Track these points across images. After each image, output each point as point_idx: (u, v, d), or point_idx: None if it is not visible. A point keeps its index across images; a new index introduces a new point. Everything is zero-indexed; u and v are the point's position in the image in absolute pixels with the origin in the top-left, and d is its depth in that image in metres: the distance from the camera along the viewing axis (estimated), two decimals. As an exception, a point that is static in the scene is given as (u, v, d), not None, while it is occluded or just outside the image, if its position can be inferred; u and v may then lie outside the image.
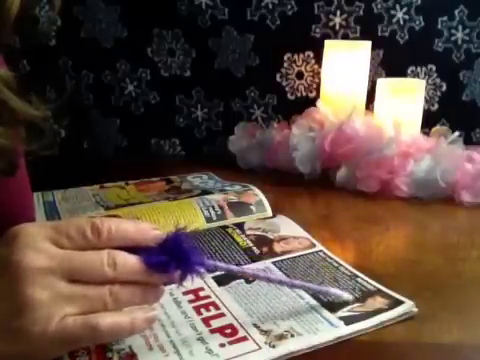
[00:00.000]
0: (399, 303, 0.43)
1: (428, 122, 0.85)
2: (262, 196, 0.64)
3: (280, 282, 0.42)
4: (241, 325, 0.40)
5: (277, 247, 0.54)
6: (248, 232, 0.57)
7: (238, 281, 0.47)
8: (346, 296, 0.43)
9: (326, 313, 0.42)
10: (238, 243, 0.55)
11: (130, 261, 0.34)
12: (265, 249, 0.53)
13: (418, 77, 0.91)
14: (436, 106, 0.94)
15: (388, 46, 0.90)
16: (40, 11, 0.84)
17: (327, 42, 0.86)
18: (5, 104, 0.39)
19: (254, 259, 0.51)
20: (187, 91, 0.92)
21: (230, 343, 0.38)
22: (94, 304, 0.32)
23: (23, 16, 0.39)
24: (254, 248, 0.53)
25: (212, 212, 0.60)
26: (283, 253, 0.52)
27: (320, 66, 0.89)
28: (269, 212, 0.63)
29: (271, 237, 0.56)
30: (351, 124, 0.76)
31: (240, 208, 0.62)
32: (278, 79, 0.91)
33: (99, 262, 0.33)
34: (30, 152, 0.43)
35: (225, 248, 0.53)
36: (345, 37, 0.89)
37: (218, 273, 0.48)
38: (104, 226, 0.33)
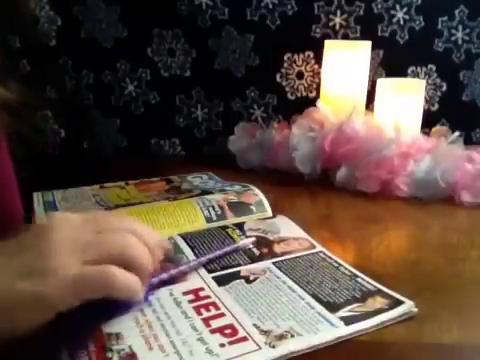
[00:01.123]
0: (399, 303, 0.43)
1: (428, 122, 0.85)
2: (262, 196, 0.64)
3: (199, 263, 0.46)
4: (241, 325, 0.40)
5: (277, 248, 0.54)
6: (248, 233, 0.57)
7: (238, 281, 0.47)
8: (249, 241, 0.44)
9: (326, 313, 0.42)
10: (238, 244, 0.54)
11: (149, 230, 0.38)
12: (265, 250, 0.53)
13: (418, 77, 0.92)
14: (436, 106, 0.94)
15: (388, 46, 0.90)
16: (40, 11, 0.84)
17: (327, 42, 0.86)
18: None
19: (254, 260, 0.51)
20: (187, 91, 0.92)
21: (230, 343, 0.38)
22: (112, 252, 0.36)
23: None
24: (254, 249, 0.53)
25: (212, 212, 0.60)
26: (283, 254, 0.52)
27: (320, 66, 0.89)
28: (269, 212, 0.63)
29: (271, 238, 0.56)
30: (351, 124, 0.76)
31: (240, 208, 0.62)
32: (278, 79, 0.91)
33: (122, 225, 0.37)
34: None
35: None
36: (345, 37, 0.89)
37: (218, 273, 0.48)
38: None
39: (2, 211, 0.47)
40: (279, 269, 0.49)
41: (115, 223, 0.37)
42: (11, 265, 0.33)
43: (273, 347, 0.37)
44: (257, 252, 0.53)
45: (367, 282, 0.47)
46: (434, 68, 0.92)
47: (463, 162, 0.72)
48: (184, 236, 0.55)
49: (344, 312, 0.42)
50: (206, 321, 0.41)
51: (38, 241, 0.34)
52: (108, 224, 0.36)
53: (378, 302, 0.44)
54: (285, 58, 0.90)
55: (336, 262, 0.51)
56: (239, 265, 0.50)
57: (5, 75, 0.41)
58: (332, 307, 0.43)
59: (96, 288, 0.35)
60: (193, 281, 0.47)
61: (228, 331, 0.39)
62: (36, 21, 0.83)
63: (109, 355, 0.36)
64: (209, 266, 0.50)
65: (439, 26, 0.90)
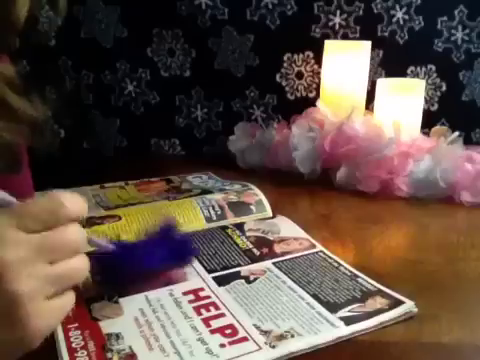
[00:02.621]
0: (399, 303, 0.43)
1: (428, 122, 0.85)
2: (262, 196, 0.64)
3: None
4: (241, 325, 0.40)
5: (277, 248, 0.54)
6: (248, 233, 0.57)
7: (238, 281, 0.47)
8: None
9: (326, 313, 0.42)
10: (238, 244, 0.55)
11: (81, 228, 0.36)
12: (265, 250, 0.53)
13: (418, 77, 0.92)
14: (436, 106, 0.94)
15: (388, 46, 0.90)
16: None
17: (327, 42, 0.86)
18: (4, 102, 0.39)
19: (254, 260, 0.51)
20: (187, 91, 0.92)
21: (230, 343, 0.38)
22: (67, 285, 0.35)
23: (29, 21, 0.39)
24: (254, 249, 0.53)
25: (212, 212, 0.60)
26: (283, 254, 0.52)
27: (320, 66, 0.89)
28: (269, 212, 0.63)
29: (271, 238, 0.56)
30: (351, 124, 0.76)
31: (240, 208, 0.62)
32: (278, 79, 0.91)
33: (71, 236, 0.35)
34: (33, 151, 0.43)
35: (225, 249, 0.53)
36: (345, 37, 0.89)
37: (218, 273, 0.48)
38: (57, 201, 0.35)
39: None
40: (279, 269, 0.49)
41: (67, 249, 0.35)
42: None
43: (273, 347, 0.37)
44: (257, 252, 0.53)
45: (367, 282, 0.47)
46: (434, 68, 0.92)
47: (463, 162, 0.72)
48: (184, 236, 0.55)
49: (344, 312, 0.42)
50: (206, 321, 0.41)
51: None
52: (61, 254, 0.34)
53: (378, 302, 0.44)
54: (285, 58, 0.90)
55: (336, 262, 0.51)
56: (239, 265, 0.50)
57: (30, 91, 0.41)
58: (332, 307, 0.43)
59: (60, 321, 0.36)
60: (193, 281, 0.47)
61: (228, 331, 0.39)
62: (36, 21, 0.83)
63: (109, 355, 0.36)
64: (209, 266, 0.50)
65: (439, 26, 0.90)
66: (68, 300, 0.35)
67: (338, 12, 0.88)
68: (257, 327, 0.40)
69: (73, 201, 0.36)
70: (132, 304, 0.43)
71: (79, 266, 0.36)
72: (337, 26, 0.89)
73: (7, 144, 0.40)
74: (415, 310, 0.43)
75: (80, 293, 0.44)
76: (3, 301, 0.31)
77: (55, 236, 0.34)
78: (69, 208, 0.35)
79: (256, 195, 0.64)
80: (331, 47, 0.86)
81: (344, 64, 0.84)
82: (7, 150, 0.41)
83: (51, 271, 0.33)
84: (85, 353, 0.37)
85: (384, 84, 0.81)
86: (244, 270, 0.49)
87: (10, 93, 0.39)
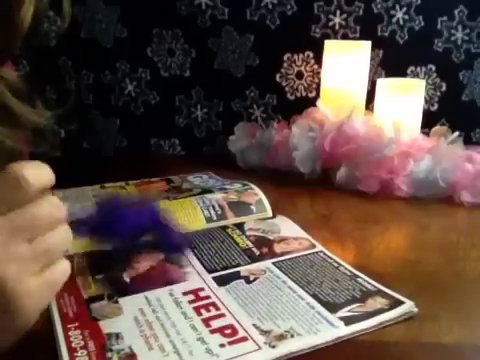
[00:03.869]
0: (399, 303, 0.43)
1: (428, 122, 0.85)
2: (262, 196, 0.64)
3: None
4: (241, 325, 0.40)
5: (277, 248, 0.54)
6: (248, 233, 0.57)
7: (238, 281, 0.47)
8: None
9: (326, 313, 0.42)
10: (238, 244, 0.55)
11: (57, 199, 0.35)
12: (265, 250, 0.53)
13: (418, 77, 0.92)
14: (436, 106, 0.94)
15: (388, 46, 0.90)
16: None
17: (327, 42, 0.86)
18: (7, 108, 0.39)
19: (254, 260, 0.51)
20: (187, 91, 0.92)
21: (230, 343, 0.38)
22: (50, 260, 0.34)
23: (33, 26, 0.40)
24: (254, 249, 0.53)
25: (212, 212, 0.60)
26: (283, 254, 0.52)
27: (320, 66, 0.89)
28: (269, 212, 0.63)
29: (271, 238, 0.56)
30: (351, 124, 0.76)
31: (240, 208, 0.62)
32: (278, 79, 0.91)
33: (48, 209, 0.34)
34: (35, 155, 0.43)
35: (225, 249, 0.53)
36: (345, 37, 0.89)
37: (218, 273, 0.48)
38: (21, 176, 0.32)
39: None
40: (279, 269, 0.49)
41: (42, 223, 0.34)
42: None
43: (273, 347, 0.37)
44: (257, 252, 0.53)
45: (367, 282, 0.47)
46: (434, 68, 0.92)
47: (463, 162, 0.72)
48: (184, 236, 0.55)
49: (344, 312, 0.42)
50: (206, 321, 0.41)
51: None
52: (37, 229, 0.33)
53: (378, 302, 0.44)
54: (285, 58, 0.90)
55: (336, 262, 0.51)
56: (239, 265, 0.50)
57: (34, 97, 0.41)
58: (332, 307, 0.43)
59: (54, 295, 0.35)
60: (193, 281, 0.47)
61: (228, 331, 0.39)
62: (39, 25, 0.83)
63: (109, 355, 0.36)
64: (209, 266, 0.50)
65: (439, 26, 0.90)
66: (60, 271, 0.34)
67: (338, 12, 0.88)
68: (257, 327, 0.40)
69: (37, 173, 0.33)
70: (132, 304, 0.43)
71: (60, 237, 0.35)
72: (337, 26, 0.89)
73: (9, 151, 0.40)
74: (415, 310, 0.43)
75: (80, 292, 0.44)
76: None
77: (26, 213, 0.33)
78: (32, 182, 0.32)
79: (256, 195, 0.64)
80: (331, 47, 0.86)
81: (344, 64, 0.84)
82: (9, 157, 0.41)
83: (31, 249, 0.32)
84: (85, 353, 0.37)
85: (384, 84, 0.81)
86: (244, 270, 0.49)
87: (13, 99, 0.40)
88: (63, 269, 0.35)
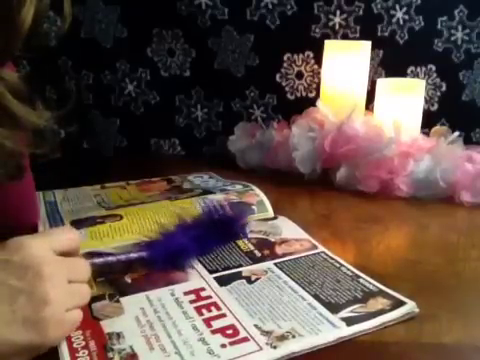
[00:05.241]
0: (401, 304, 0.43)
1: (428, 122, 0.85)
2: (263, 196, 0.64)
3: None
4: (242, 326, 0.40)
5: (279, 250, 0.54)
6: (250, 235, 0.57)
7: (240, 281, 0.47)
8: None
9: (327, 314, 0.42)
10: (239, 246, 0.55)
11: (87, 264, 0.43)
12: (267, 252, 0.53)
13: (418, 77, 0.92)
14: (436, 106, 0.94)
15: (388, 46, 0.90)
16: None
17: (327, 42, 0.86)
18: (7, 109, 0.39)
19: (256, 260, 0.51)
20: (187, 91, 0.92)
21: (231, 344, 0.38)
22: (82, 298, 0.40)
23: (33, 27, 0.40)
24: (255, 251, 0.53)
25: (213, 212, 0.60)
26: (285, 255, 0.53)
27: (320, 66, 0.89)
28: (270, 212, 0.63)
29: (272, 240, 0.56)
30: (351, 124, 0.76)
31: (242, 208, 0.62)
32: (278, 79, 0.91)
33: (84, 267, 0.42)
34: (35, 156, 0.43)
35: (226, 250, 0.53)
36: (345, 37, 0.89)
37: (220, 274, 0.48)
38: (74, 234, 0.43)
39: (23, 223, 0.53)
40: (281, 269, 0.49)
41: (80, 273, 0.41)
42: (4, 310, 0.34)
43: (274, 348, 0.38)
44: (259, 254, 0.53)
45: (369, 282, 0.47)
46: (434, 68, 0.92)
47: (463, 162, 0.72)
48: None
49: (346, 313, 0.42)
50: (207, 321, 0.41)
51: (29, 285, 0.36)
52: (77, 276, 0.40)
53: (380, 303, 0.44)
54: (285, 58, 0.90)
55: (338, 263, 0.51)
56: (240, 266, 0.50)
57: (35, 98, 0.42)
58: (334, 308, 0.43)
59: (69, 334, 0.39)
60: (194, 281, 0.47)
61: (229, 331, 0.39)
62: (40, 25, 0.83)
63: (110, 355, 0.37)
64: (210, 267, 0.50)
65: (439, 26, 0.90)
66: (78, 316, 0.39)
67: (338, 12, 0.88)
68: (258, 327, 0.40)
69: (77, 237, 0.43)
70: (133, 304, 0.43)
71: (87, 290, 0.41)
72: (337, 26, 0.89)
73: (9, 152, 0.40)
74: (417, 310, 0.43)
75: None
76: (35, 303, 0.35)
77: (75, 261, 0.41)
78: (79, 242, 0.43)
79: (257, 195, 0.64)
80: (331, 47, 0.86)
81: (344, 64, 0.84)
82: (9, 159, 0.41)
83: (71, 287, 0.39)
84: (86, 353, 0.37)
85: (384, 84, 0.81)
86: (245, 270, 0.49)
87: (13, 100, 0.40)
88: (80, 315, 0.39)
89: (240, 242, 0.55)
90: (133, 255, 0.49)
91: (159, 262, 0.48)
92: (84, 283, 0.41)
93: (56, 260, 0.39)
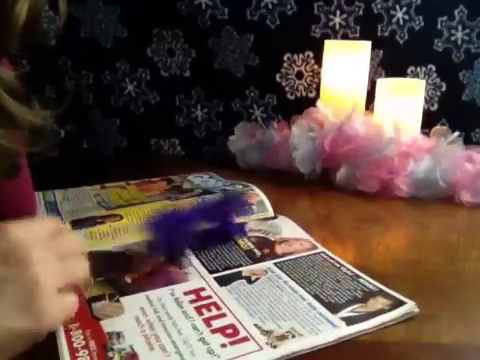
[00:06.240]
0: (401, 304, 0.43)
1: (428, 122, 0.85)
2: (263, 196, 0.64)
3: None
4: (242, 325, 0.40)
5: (278, 249, 0.54)
6: (249, 234, 0.57)
7: (240, 281, 0.47)
8: None
9: (327, 314, 0.42)
10: (239, 245, 0.55)
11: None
12: (267, 251, 0.53)
13: (418, 77, 0.92)
14: (436, 106, 0.94)
15: (388, 46, 0.90)
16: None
17: (327, 42, 0.86)
18: (3, 108, 0.39)
19: (255, 260, 0.51)
20: (187, 91, 0.92)
21: (231, 343, 0.38)
22: (72, 280, 0.39)
23: (29, 24, 0.40)
24: (255, 250, 0.54)
25: (213, 212, 0.60)
26: (285, 254, 0.53)
27: (320, 66, 0.89)
28: (270, 212, 0.63)
29: (272, 239, 0.56)
30: (351, 124, 0.76)
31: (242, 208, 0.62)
32: (278, 79, 0.91)
33: (73, 240, 0.42)
34: (32, 154, 0.44)
35: (226, 250, 0.53)
36: (345, 37, 0.89)
37: (220, 273, 0.48)
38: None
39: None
40: (281, 269, 0.49)
41: (70, 248, 0.41)
42: None
43: (274, 347, 0.38)
44: (258, 253, 0.53)
45: (369, 282, 0.47)
46: (434, 68, 0.92)
47: (463, 162, 0.72)
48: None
49: (345, 313, 0.42)
50: (207, 321, 0.41)
51: (16, 271, 0.35)
52: (66, 249, 0.40)
53: (379, 303, 0.44)
54: (285, 58, 0.90)
55: (338, 263, 0.51)
56: (240, 265, 0.50)
57: (31, 96, 0.42)
58: (333, 308, 0.43)
59: (66, 318, 0.38)
60: (194, 281, 0.47)
61: (229, 331, 0.39)
62: (36, 22, 0.83)
63: (110, 355, 0.36)
64: (210, 267, 0.50)
65: (439, 26, 0.90)
66: (73, 300, 0.39)
67: (338, 12, 0.88)
68: (258, 327, 0.40)
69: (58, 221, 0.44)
70: (133, 303, 0.43)
71: (81, 264, 0.40)
72: (337, 26, 0.89)
73: (5, 151, 0.40)
74: (417, 310, 0.43)
75: (81, 292, 0.44)
76: (26, 289, 0.34)
77: (62, 238, 0.40)
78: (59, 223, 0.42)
79: (257, 195, 0.64)
80: (331, 47, 0.86)
81: (344, 64, 0.84)
82: (5, 157, 0.41)
83: (61, 264, 0.38)
84: (86, 352, 0.37)
85: (384, 84, 0.81)
86: (245, 270, 0.49)
87: (9, 99, 0.40)
88: (76, 300, 0.39)
89: (240, 241, 0.55)
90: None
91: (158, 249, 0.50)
92: (77, 258, 0.40)
93: (42, 241, 0.38)
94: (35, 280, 0.35)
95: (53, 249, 0.38)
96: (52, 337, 0.39)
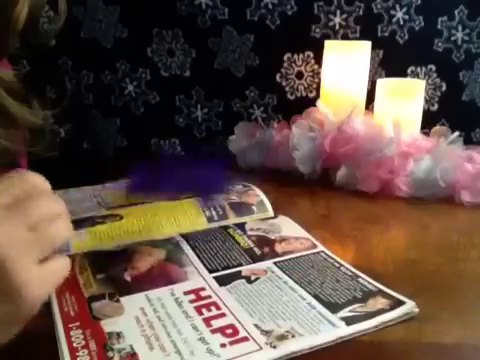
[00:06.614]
0: (400, 303, 0.43)
1: (428, 122, 0.85)
2: (263, 196, 0.64)
3: None
4: (242, 325, 0.40)
5: (278, 248, 0.54)
6: (249, 233, 0.57)
7: (239, 281, 0.47)
8: None
9: (327, 313, 0.42)
10: (239, 243, 0.55)
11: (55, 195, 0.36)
12: (266, 250, 0.53)
13: (418, 77, 0.92)
14: (436, 106, 0.94)
15: (388, 46, 0.90)
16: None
17: (327, 42, 0.86)
18: (3, 108, 0.39)
19: (255, 260, 0.51)
20: (187, 91, 0.92)
21: (231, 343, 0.38)
22: (52, 247, 0.34)
23: (29, 24, 0.40)
24: (255, 249, 0.54)
25: (213, 212, 0.60)
26: (284, 254, 0.53)
27: (320, 66, 0.89)
28: (270, 212, 0.63)
29: (272, 238, 0.56)
30: (351, 124, 0.76)
31: (241, 208, 0.62)
32: (278, 79, 0.91)
33: (47, 201, 0.35)
34: (32, 154, 0.43)
35: (226, 249, 0.53)
36: (345, 37, 0.89)
37: (220, 273, 0.48)
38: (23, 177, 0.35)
39: None
40: (280, 269, 0.49)
41: (42, 210, 0.35)
42: None
43: (274, 347, 0.38)
44: (258, 251, 0.53)
45: (368, 282, 0.47)
46: (434, 68, 0.92)
47: (463, 162, 0.72)
48: (185, 236, 0.55)
49: (345, 312, 0.42)
50: (207, 321, 0.41)
51: None
52: (38, 218, 0.34)
53: (379, 302, 0.44)
54: (285, 58, 0.90)
55: (337, 262, 0.51)
56: (240, 265, 0.50)
57: (31, 96, 0.42)
58: (333, 307, 0.43)
59: (55, 286, 0.35)
60: (194, 281, 0.47)
61: (229, 331, 0.39)
62: (36, 22, 0.83)
63: (110, 354, 0.37)
64: (210, 265, 0.50)
65: (439, 26, 0.90)
66: (61, 264, 0.35)
67: (338, 12, 0.88)
68: (258, 327, 0.40)
69: (37, 177, 0.35)
70: (133, 303, 0.43)
71: (60, 228, 0.35)
72: (337, 26, 0.89)
73: (5, 150, 0.40)
74: (416, 310, 0.43)
75: (81, 292, 0.44)
76: None
77: (29, 203, 0.34)
78: (35, 182, 0.35)
79: (257, 195, 0.64)
80: (331, 47, 0.86)
81: (344, 64, 0.84)
82: (4, 157, 0.41)
83: (32, 235, 0.33)
84: (86, 352, 0.37)
85: (384, 84, 0.81)
86: (245, 270, 0.49)
87: (9, 99, 0.39)
88: (63, 264, 0.35)
89: (240, 239, 0.55)
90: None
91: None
92: (55, 221, 0.35)
93: (5, 206, 0.32)
94: (2, 262, 0.30)
95: (19, 216, 0.33)
96: (52, 337, 0.39)
